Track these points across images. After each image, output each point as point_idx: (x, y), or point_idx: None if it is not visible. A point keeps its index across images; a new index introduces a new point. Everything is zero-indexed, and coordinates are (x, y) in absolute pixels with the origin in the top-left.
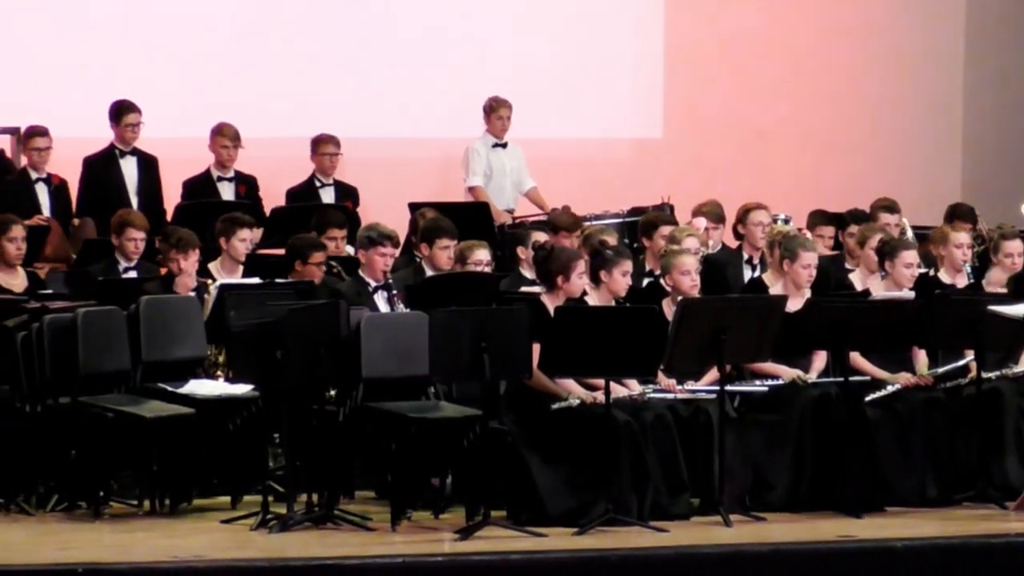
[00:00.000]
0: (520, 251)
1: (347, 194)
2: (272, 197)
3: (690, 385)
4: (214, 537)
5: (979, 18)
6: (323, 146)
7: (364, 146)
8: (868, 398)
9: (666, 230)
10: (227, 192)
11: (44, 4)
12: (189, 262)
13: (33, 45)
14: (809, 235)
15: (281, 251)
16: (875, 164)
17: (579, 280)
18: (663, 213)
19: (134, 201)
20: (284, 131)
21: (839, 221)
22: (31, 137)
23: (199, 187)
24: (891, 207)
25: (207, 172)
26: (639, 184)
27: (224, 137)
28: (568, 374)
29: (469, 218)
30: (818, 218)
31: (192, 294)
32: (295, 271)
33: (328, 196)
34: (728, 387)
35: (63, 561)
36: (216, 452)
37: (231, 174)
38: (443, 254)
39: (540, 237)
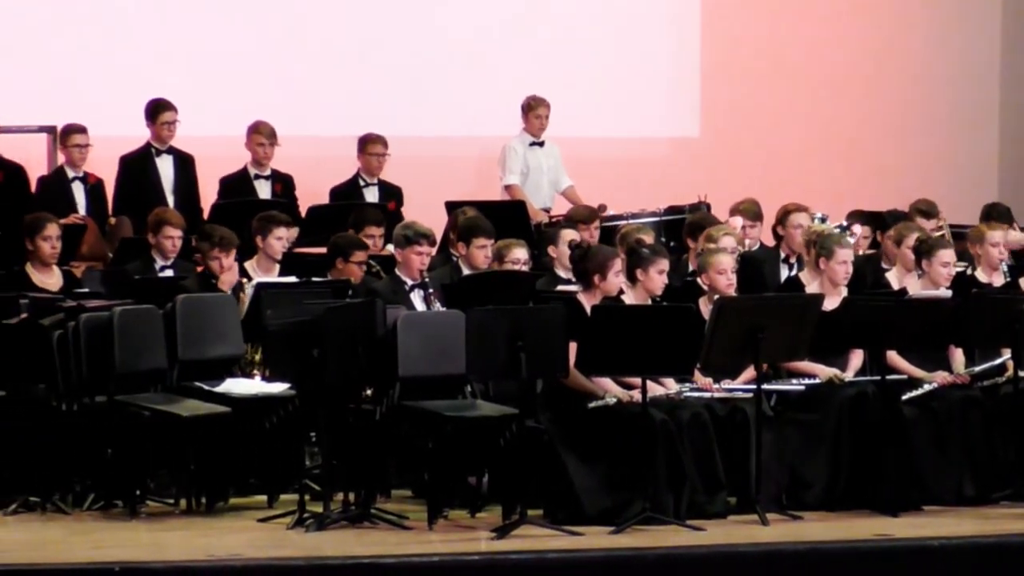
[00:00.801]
0: (551, 250)
1: (391, 194)
2: (310, 196)
3: (727, 384)
4: (250, 536)
5: (1016, 15)
6: (371, 146)
7: (401, 144)
8: (905, 397)
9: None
10: (264, 190)
11: (80, 2)
12: (231, 259)
13: (69, 44)
14: (857, 232)
15: (317, 249)
16: (912, 163)
17: (615, 279)
18: (709, 215)
19: (170, 200)
20: (321, 130)
21: (878, 222)
22: (69, 135)
23: (236, 185)
24: (927, 211)
25: (244, 170)
26: (676, 183)
27: (260, 135)
28: (605, 373)
29: (506, 217)
30: (856, 218)
31: (229, 292)
32: (335, 269)
33: (372, 195)
34: (765, 386)
35: (99, 560)
36: (252, 451)
37: (268, 172)
38: (480, 253)
39: (572, 236)
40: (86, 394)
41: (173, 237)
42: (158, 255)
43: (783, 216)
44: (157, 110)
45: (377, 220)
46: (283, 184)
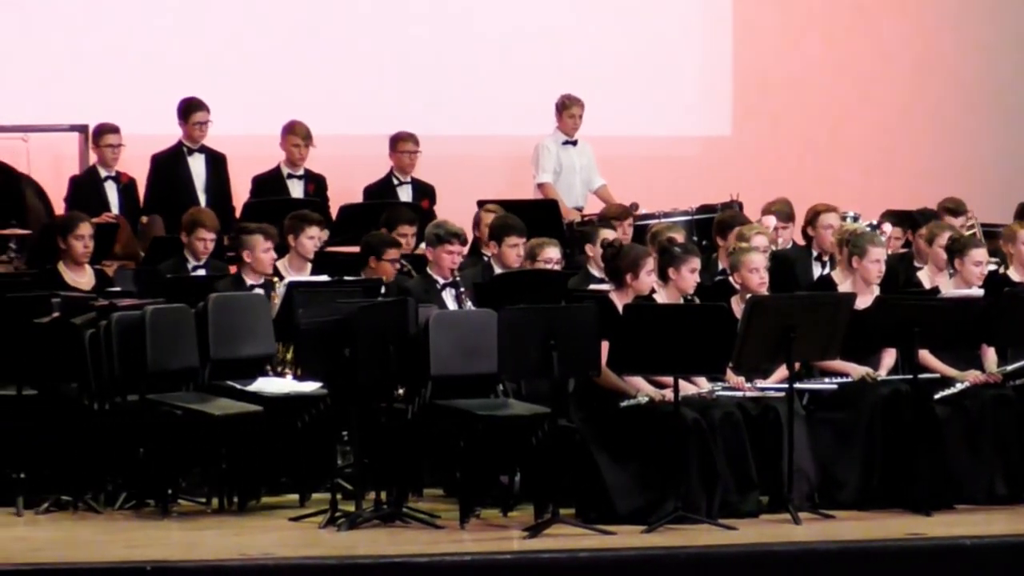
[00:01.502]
0: (588, 248)
1: (424, 192)
2: (341, 194)
3: (759, 383)
4: (282, 535)
5: None
6: (402, 144)
7: (433, 143)
8: (937, 396)
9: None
10: (296, 190)
11: (112, 1)
12: (270, 247)
13: (100, 42)
14: (888, 231)
15: (349, 249)
16: (944, 162)
17: (648, 277)
18: (738, 213)
19: (202, 199)
20: (353, 128)
21: (909, 221)
22: (102, 134)
23: (269, 184)
24: (955, 209)
25: (277, 169)
26: (708, 182)
27: (296, 135)
28: (637, 372)
29: (538, 216)
30: (887, 217)
31: (260, 291)
32: (368, 268)
33: (405, 194)
34: (797, 385)
35: (131, 559)
36: (284, 450)
37: (301, 172)
38: (512, 252)
39: (608, 235)
40: (118, 393)
41: (206, 239)
42: (191, 255)
43: (813, 216)
44: (190, 109)
45: (410, 219)
46: (316, 184)
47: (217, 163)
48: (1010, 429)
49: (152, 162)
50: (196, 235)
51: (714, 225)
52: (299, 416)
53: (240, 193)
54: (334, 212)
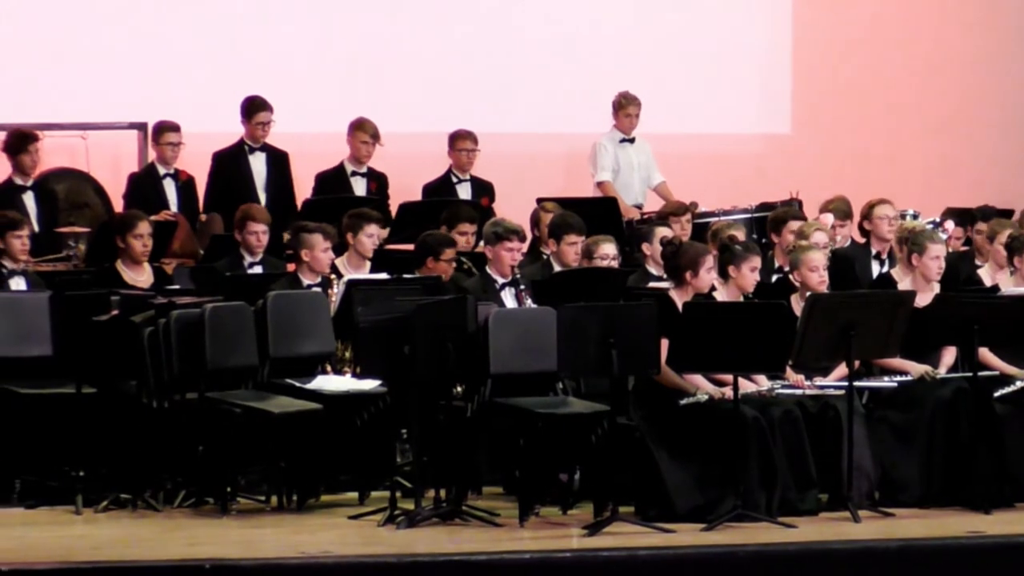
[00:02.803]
0: (645, 247)
1: (483, 190)
2: (399, 192)
3: (818, 381)
4: (341, 533)
5: None
6: (460, 142)
7: (492, 141)
8: (997, 393)
9: (795, 225)
10: (359, 187)
11: None
12: (328, 247)
13: (161, 39)
14: (950, 229)
15: (408, 247)
16: (1005, 159)
17: (707, 275)
18: (791, 208)
19: (262, 197)
20: (412, 126)
21: (969, 218)
22: (162, 132)
23: (332, 181)
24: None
25: (340, 166)
26: (768, 179)
27: (364, 132)
28: (696, 370)
29: (597, 214)
30: (949, 215)
31: (318, 289)
32: (425, 267)
33: (464, 192)
34: (857, 383)
35: (190, 557)
36: (344, 448)
37: (364, 169)
38: (571, 250)
39: (665, 232)
40: (177, 391)
41: (257, 232)
42: (245, 251)
43: (868, 210)
44: (253, 109)
45: (470, 217)
46: (378, 182)
47: (278, 161)
48: None
49: (213, 160)
50: (247, 229)
51: (769, 222)
52: (358, 414)
53: (303, 191)
54: (394, 210)
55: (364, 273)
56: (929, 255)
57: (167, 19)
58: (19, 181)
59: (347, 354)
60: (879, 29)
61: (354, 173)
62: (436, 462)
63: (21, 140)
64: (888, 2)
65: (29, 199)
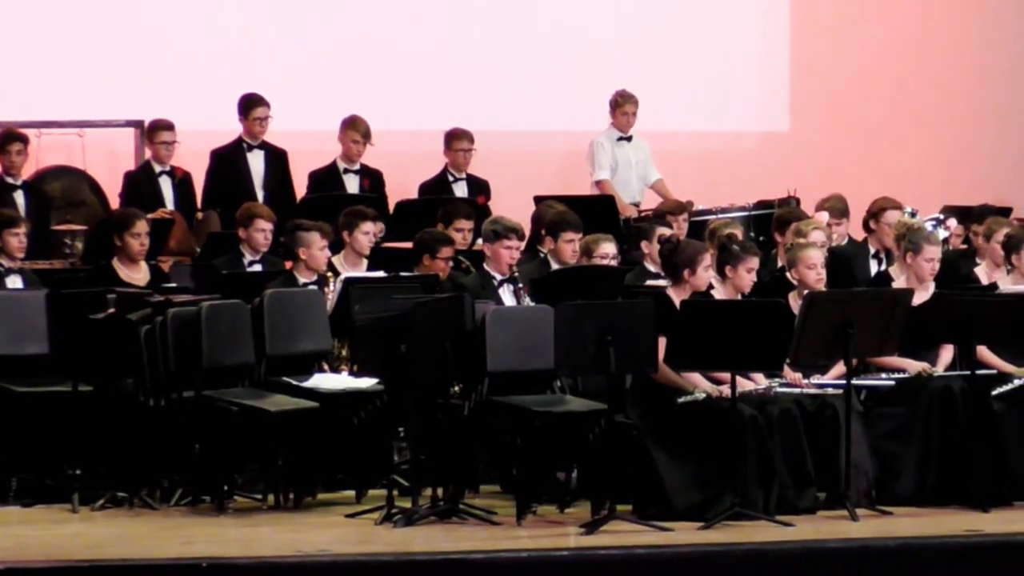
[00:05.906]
0: (644, 245)
1: (479, 188)
2: (396, 190)
3: (816, 379)
4: (339, 531)
5: None
6: (457, 141)
7: (488, 139)
8: (994, 392)
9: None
10: (352, 185)
11: None
12: (325, 245)
13: (156, 38)
14: (952, 227)
15: (405, 244)
16: (1003, 157)
17: (705, 273)
18: (798, 210)
19: (260, 195)
20: (408, 124)
21: (967, 217)
22: (156, 131)
23: (325, 179)
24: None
25: (333, 164)
26: (765, 177)
27: (355, 131)
28: (694, 368)
29: (595, 212)
30: (950, 212)
31: (315, 287)
32: (422, 265)
33: (461, 190)
34: (855, 381)
35: (187, 555)
36: (340, 446)
37: (357, 167)
38: (568, 247)
39: (663, 231)
40: (173, 389)
41: (265, 230)
42: (248, 249)
43: (877, 211)
44: (250, 105)
45: (467, 213)
46: (372, 179)
47: (277, 159)
48: None
49: (212, 157)
50: (254, 227)
51: (773, 221)
52: (355, 412)
53: (301, 189)
54: (391, 208)
55: (361, 271)
56: (924, 256)
57: (164, 18)
58: (10, 180)
59: (344, 352)
60: (877, 27)
61: (346, 171)
62: (433, 460)
63: (3, 140)
64: (886, 1)
65: (20, 198)
